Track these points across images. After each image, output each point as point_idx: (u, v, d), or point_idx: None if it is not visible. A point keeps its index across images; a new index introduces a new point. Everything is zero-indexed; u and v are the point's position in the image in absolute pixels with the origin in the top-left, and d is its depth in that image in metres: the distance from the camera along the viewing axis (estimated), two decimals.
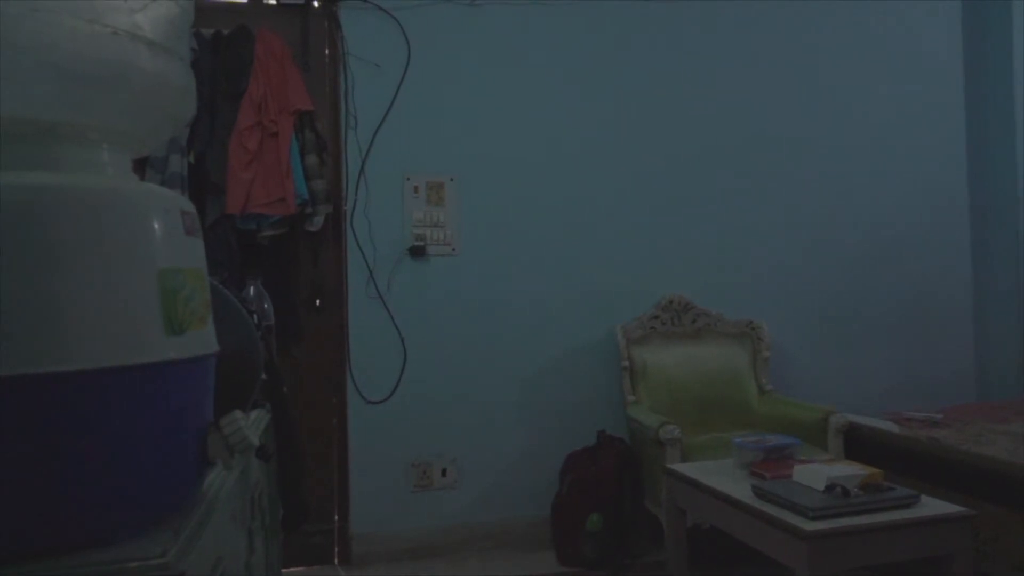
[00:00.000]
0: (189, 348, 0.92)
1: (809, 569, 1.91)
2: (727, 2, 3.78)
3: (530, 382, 3.49)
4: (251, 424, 1.05)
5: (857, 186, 3.94)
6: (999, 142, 4.00)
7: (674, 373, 3.42)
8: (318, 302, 3.29)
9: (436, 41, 3.43)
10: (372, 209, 3.36)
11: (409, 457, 3.36)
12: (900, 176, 4.00)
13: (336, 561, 3.26)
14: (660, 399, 3.35)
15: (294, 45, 3.24)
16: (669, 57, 3.70)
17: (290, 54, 3.17)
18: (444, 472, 3.39)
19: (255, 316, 1.47)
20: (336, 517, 3.27)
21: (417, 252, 3.38)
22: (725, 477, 2.38)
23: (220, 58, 3.09)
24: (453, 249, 3.44)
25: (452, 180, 3.44)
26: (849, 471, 2.15)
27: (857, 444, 3.03)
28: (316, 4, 3.30)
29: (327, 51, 3.33)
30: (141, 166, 2.81)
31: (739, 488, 2.24)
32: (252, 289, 2.09)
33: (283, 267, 3.22)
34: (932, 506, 2.08)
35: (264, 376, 1.44)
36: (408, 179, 3.40)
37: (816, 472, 2.14)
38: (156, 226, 0.91)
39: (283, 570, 2.01)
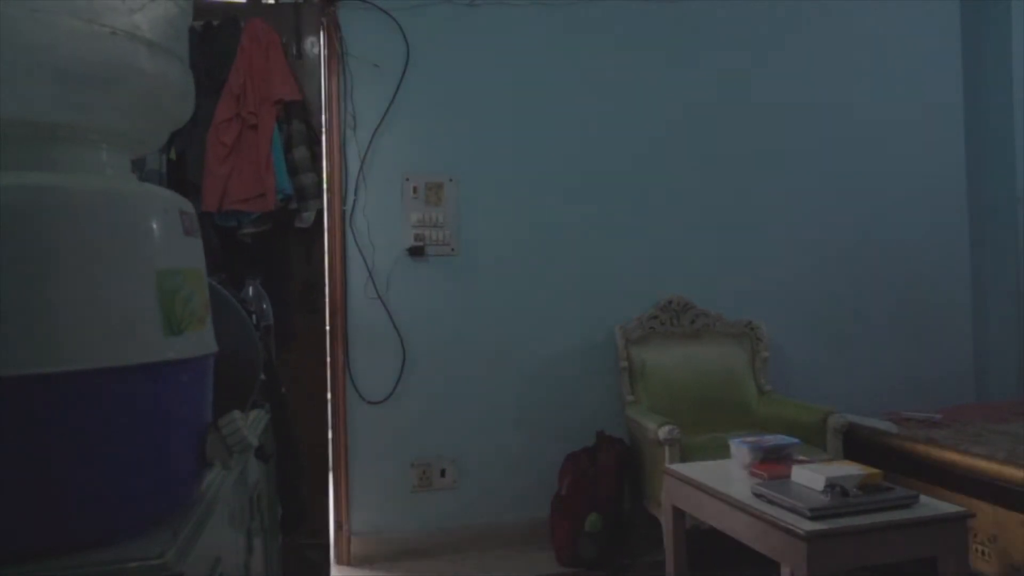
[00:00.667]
0: (188, 348, 0.92)
1: (808, 569, 1.90)
2: (727, 3, 3.78)
3: (529, 382, 3.49)
4: (250, 425, 1.05)
5: (857, 186, 3.94)
6: (998, 142, 4.00)
7: (673, 373, 3.42)
8: (317, 302, 3.27)
9: (435, 41, 3.43)
10: (371, 209, 3.36)
11: (408, 457, 3.36)
12: (900, 176, 4.00)
13: (336, 561, 3.25)
14: (659, 399, 3.34)
15: (291, 43, 3.13)
16: (668, 57, 3.70)
17: (277, 41, 3.01)
18: (443, 472, 3.39)
19: (254, 316, 1.47)
20: (333, 517, 3.26)
21: (416, 252, 3.38)
22: (724, 477, 2.38)
23: (203, 51, 2.92)
24: (452, 249, 3.44)
25: (451, 180, 3.44)
26: (848, 471, 2.15)
27: (856, 444, 3.03)
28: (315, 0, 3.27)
29: (325, 51, 3.32)
30: None
31: (738, 488, 2.24)
32: (251, 289, 2.10)
33: (274, 265, 3.06)
34: (931, 506, 2.08)
35: (263, 376, 1.44)
36: (407, 179, 3.41)
37: (815, 472, 2.14)
38: (155, 227, 0.91)
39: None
